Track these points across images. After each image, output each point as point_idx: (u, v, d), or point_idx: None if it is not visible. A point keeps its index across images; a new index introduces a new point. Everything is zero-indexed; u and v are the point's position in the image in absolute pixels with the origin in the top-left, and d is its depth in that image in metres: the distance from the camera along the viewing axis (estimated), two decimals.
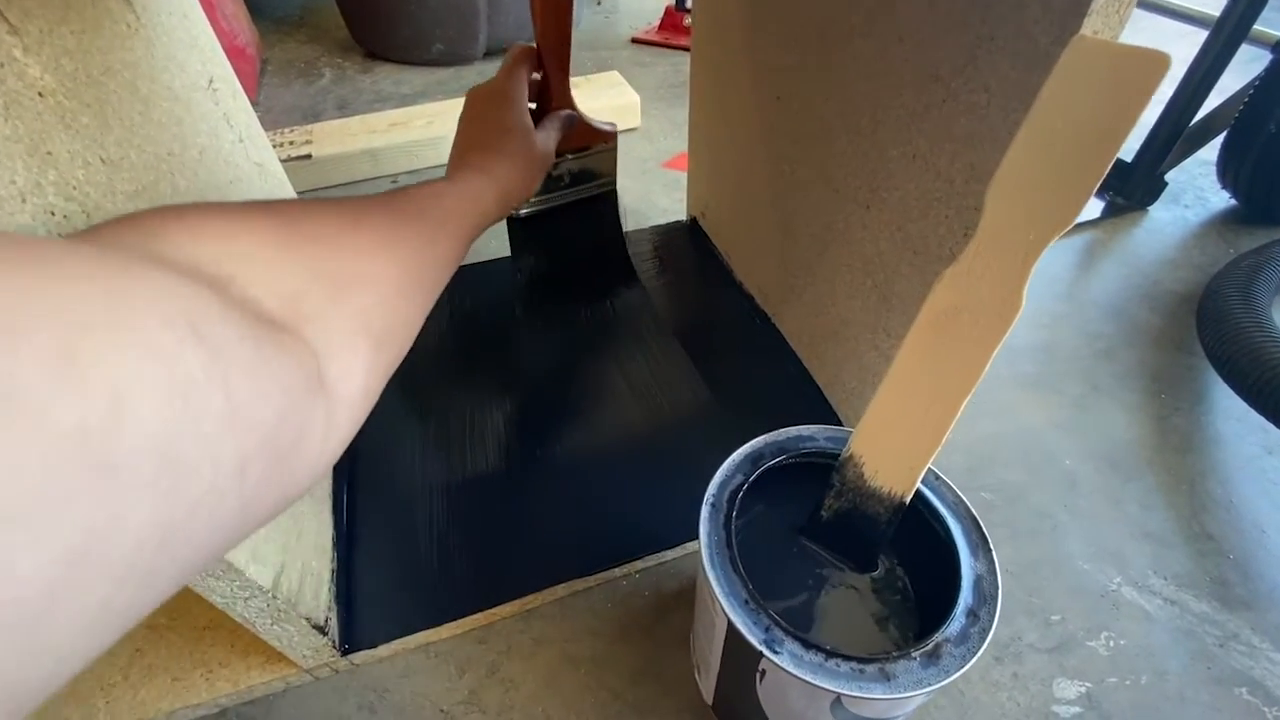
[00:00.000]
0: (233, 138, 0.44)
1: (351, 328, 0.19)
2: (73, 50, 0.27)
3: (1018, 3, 0.24)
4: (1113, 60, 0.20)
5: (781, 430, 0.31)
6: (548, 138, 0.37)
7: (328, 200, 0.22)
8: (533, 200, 0.46)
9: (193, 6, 0.42)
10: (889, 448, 0.27)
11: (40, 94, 0.24)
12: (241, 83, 0.47)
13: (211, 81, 0.42)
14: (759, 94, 0.48)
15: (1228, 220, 0.70)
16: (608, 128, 0.45)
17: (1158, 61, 0.19)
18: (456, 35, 1.04)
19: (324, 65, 1.09)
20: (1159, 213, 0.72)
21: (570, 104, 0.42)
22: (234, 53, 0.89)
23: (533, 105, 0.39)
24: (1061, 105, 0.21)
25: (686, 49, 0.92)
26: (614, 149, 0.47)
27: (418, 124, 0.82)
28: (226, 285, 0.15)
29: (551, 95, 0.41)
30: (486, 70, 1.06)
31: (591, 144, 0.46)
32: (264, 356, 0.14)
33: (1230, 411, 0.50)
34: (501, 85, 0.36)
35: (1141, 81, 0.20)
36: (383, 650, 0.38)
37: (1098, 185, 0.21)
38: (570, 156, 0.45)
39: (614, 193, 0.50)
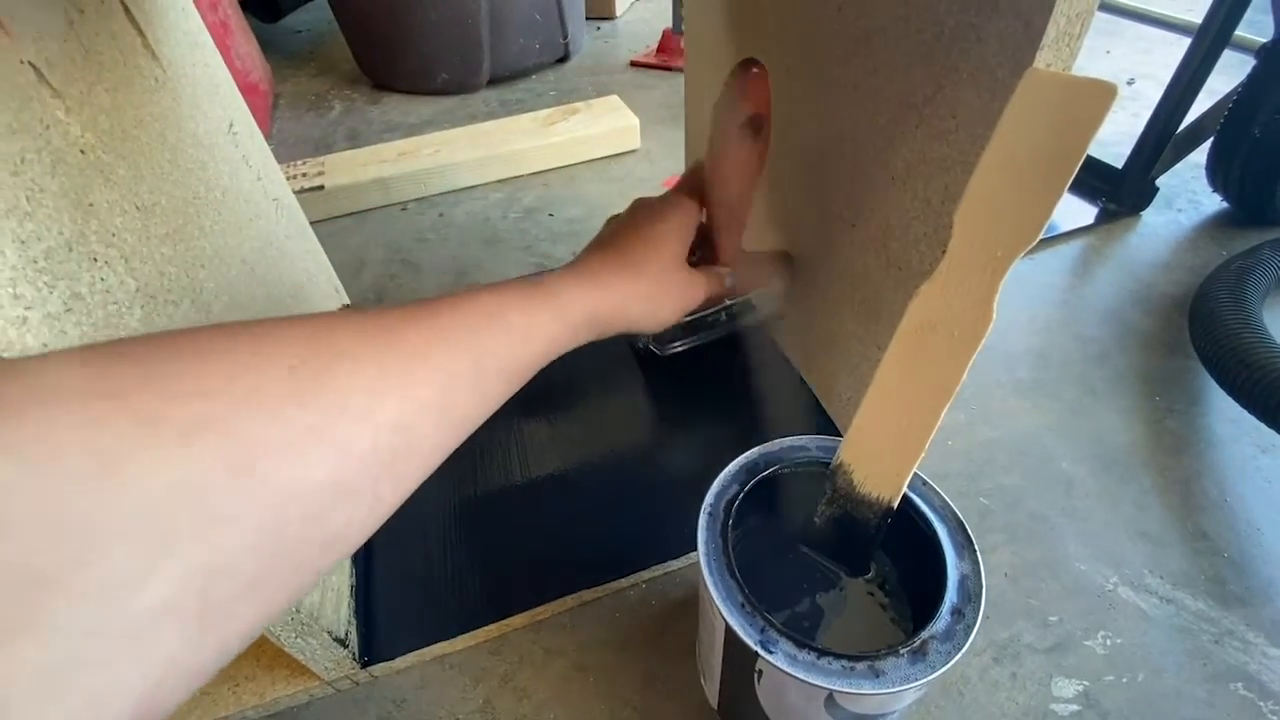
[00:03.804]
0: (251, 176, 0.46)
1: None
2: (108, 108, 0.29)
3: (978, 38, 0.26)
4: (1064, 91, 0.22)
5: (775, 441, 0.33)
6: (696, 283, 0.32)
7: (350, 316, 0.19)
8: (680, 339, 0.43)
9: (213, 55, 0.45)
10: (875, 456, 0.28)
11: (82, 151, 0.26)
12: (256, 117, 0.50)
13: (232, 125, 0.44)
14: None
15: (1220, 223, 0.71)
16: (777, 268, 0.40)
17: (1106, 91, 0.21)
18: (460, 65, 1.07)
19: (334, 97, 1.13)
20: (1152, 217, 0.73)
21: (734, 260, 0.38)
22: (249, 89, 0.92)
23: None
24: (1019, 133, 0.23)
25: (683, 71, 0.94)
26: (781, 289, 0.40)
27: (425, 152, 0.85)
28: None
29: (717, 247, 0.38)
30: (491, 98, 1.09)
31: (756, 288, 0.40)
32: None
33: (1225, 412, 0.51)
34: (672, 206, 0.32)
35: (1091, 110, 0.21)
36: (400, 662, 0.39)
37: (1057, 205, 0.22)
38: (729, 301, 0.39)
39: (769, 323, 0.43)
